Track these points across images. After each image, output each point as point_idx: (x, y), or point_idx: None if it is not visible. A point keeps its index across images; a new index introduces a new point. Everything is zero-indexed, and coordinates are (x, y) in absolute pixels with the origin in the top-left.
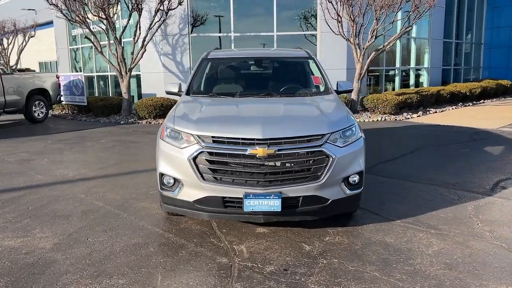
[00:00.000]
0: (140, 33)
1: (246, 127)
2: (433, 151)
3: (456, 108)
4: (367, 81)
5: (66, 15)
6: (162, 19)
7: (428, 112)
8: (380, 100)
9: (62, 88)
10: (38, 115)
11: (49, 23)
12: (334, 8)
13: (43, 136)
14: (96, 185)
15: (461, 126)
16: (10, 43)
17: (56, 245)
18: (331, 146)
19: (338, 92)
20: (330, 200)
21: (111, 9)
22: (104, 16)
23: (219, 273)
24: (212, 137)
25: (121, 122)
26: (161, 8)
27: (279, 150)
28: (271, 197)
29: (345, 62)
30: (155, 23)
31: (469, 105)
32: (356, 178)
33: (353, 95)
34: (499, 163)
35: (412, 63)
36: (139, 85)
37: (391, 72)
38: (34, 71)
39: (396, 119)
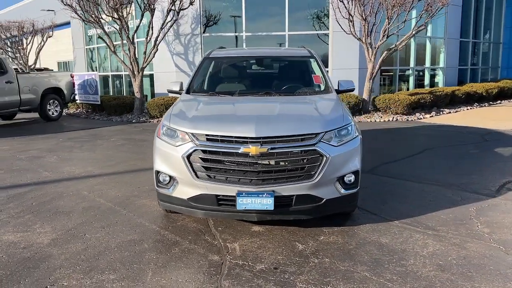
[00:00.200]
0: (152, 33)
1: (240, 125)
2: (441, 152)
3: (471, 108)
4: (380, 81)
5: (81, 15)
6: (173, 19)
7: (441, 113)
8: (392, 100)
9: (76, 87)
10: (53, 113)
11: (67, 24)
12: (346, 7)
13: (56, 134)
14: (100, 182)
15: (473, 127)
16: (29, 43)
17: (54, 240)
18: (325, 145)
19: (339, 91)
20: (324, 200)
21: (124, 9)
22: (117, 16)
23: (209, 270)
24: (206, 135)
25: (133, 121)
26: (173, 8)
27: (272, 148)
28: (263, 195)
29: (357, 62)
30: (167, 23)
31: (485, 106)
32: (351, 178)
33: (365, 95)
34: (508, 165)
35: (427, 63)
36: (152, 85)
37: (406, 72)
38: (52, 70)
39: (408, 120)
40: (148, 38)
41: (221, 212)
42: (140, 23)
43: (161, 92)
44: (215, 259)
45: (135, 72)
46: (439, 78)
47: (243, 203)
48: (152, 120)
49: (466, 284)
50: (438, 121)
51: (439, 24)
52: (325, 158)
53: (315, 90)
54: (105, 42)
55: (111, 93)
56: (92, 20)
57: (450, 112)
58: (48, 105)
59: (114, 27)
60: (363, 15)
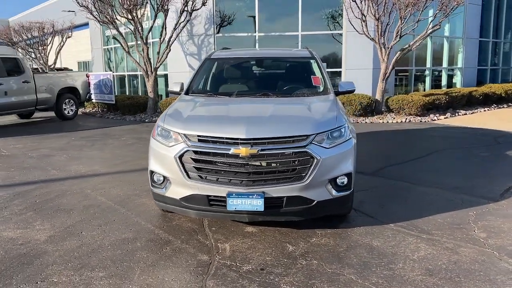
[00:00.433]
0: (166, 34)
1: (231, 127)
2: (450, 154)
3: (488, 110)
4: (396, 82)
5: (96, 16)
6: (186, 19)
7: (457, 114)
8: (405, 101)
9: (92, 86)
10: (68, 112)
11: (86, 24)
12: (358, 7)
13: (69, 133)
14: (105, 181)
15: (488, 129)
16: (49, 43)
17: (51, 237)
18: (316, 147)
19: (339, 93)
20: (315, 201)
21: (138, 10)
22: (130, 17)
23: (196, 270)
24: (198, 136)
25: (146, 121)
26: (186, 9)
27: (262, 150)
28: (253, 196)
29: (371, 62)
30: (180, 24)
31: (503, 107)
32: (344, 180)
33: (377, 96)
34: None
35: (445, 63)
36: (167, 85)
37: (422, 72)
38: (71, 70)
39: (421, 121)
40: (162, 39)
41: (213, 213)
42: (153, 24)
43: None
44: (204, 259)
45: (148, 72)
46: (457, 79)
47: (234, 204)
48: None
49: None
50: (452, 122)
51: (458, 24)
52: (315, 160)
53: (313, 92)
54: (119, 43)
55: (127, 93)
56: (107, 21)
57: (466, 114)
58: (63, 104)
59: (129, 28)
60: (376, 15)
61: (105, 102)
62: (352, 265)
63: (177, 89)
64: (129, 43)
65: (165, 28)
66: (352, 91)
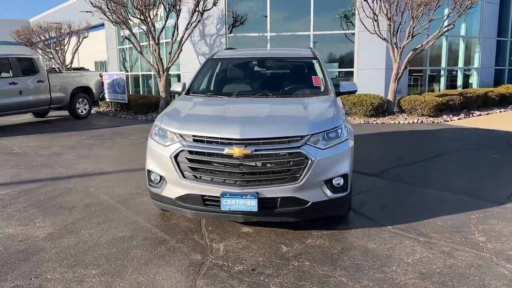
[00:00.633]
0: (178, 34)
1: (226, 127)
2: (460, 156)
3: (504, 111)
4: (411, 82)
5: (109, 17)
6: (197, 20)
7: (471, 115)
8: (417, 102)
9: (106, 86)
10: (82, 111)
11: (103, 25)
12: (370, 6)
13: (80, 131)
14: (109, 179)
15: (501, 130)
16: (66, 44)
17: (50, 234)
18: (311, 147)
19: (340, 93)
20: (310, 202)
21: (150, 11)
22: (142, 18)
23: (188, 269)
24: (193, 136)
25: None
26: (197, 9)
27: (256, 150)
28: (247, 197)
29: (384, 62)
30: (191, 24)
31: None
32: (340, 181)
33: (389, 96)
34: None
35: (460, 63)
36: None
37: (437, 73)
38: (87, 70)
39: (433, 122)
40: (174, 39)
41: (208, 212)
42: (165, 24)
43: None
44: (197, 259)
45: (160, 72)
46: (474, 79)
47: (227, 204)
48: None
49: None
50: (465, 123)
51: (474, 23)
52: (310, 161)
53: (313, 92)
54: (132, 43)
55: (141, 93)
56: (120, 21)
57: (480, 115)
58: (77, 104)
59: (142, 28)
60: (388, 15)
61: (118, 101)
62: (345, 267)
63: (179, 89)
64: (143, 43)
65: (177, 28)
66: (353, 92)
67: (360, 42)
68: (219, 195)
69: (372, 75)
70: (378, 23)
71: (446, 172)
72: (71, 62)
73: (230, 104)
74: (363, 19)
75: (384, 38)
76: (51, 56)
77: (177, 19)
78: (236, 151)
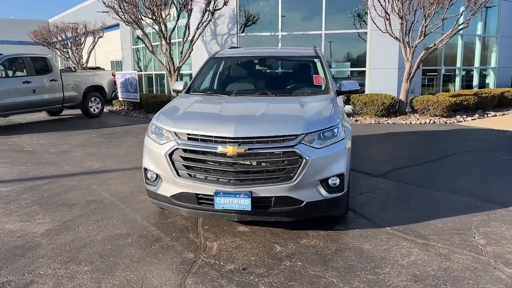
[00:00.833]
0: (189, 33)
1: (220, 125)
2: (470, 157)
3: None
4: (425, 81)
5: (121, 17)
6: (208, 19)
7: (486, 116)
8: (430, 102)
9: (119, 85)
10: (94, 110)
11: (118, 25)
12: (381, 5)
13: (91, 130)
14: (113, 177)
15: None
16: (82, 43)
17: (48, 230)
18: (305, 147)
19: (341, 92)
20: (305, 202)
21: (162, 11)
22: (153, 17)
23: (179, 267)
24: (188, 134)
25: None
26: (208, 8)
27: (249, 149)
28: (241, 196)
29: (396, 61)
30: (202, 23)
31: None
32: (336, 181)
33: (401, 96)
34: None
35: (476, 63)
36: None
37: (451, 72)
38: (103, 69)
39: (446, 122)
40: (185, 38)
41: (202, 211)
42: (176, 24)
43: None
44: (189, 257)
45: (171, 71)
46: (490, 79)
47: (221, 202)
48: None
49: None
50: (479, 124)
51: (491, 21)
52: (304, 160)
53: (313, 91)
54: (144, 43)
55: (155, 92)
56: (132, 21)
57: (495, 115)
58: (90, 102)
59: (154, 28)
60: (400, 13)
61: (130, 100)
62: (337, 268)
63: (180, 87)
64: (155, 43)
65: (188, 28)
66: (355, 91)
67: (372, 41)
68: (212, 194)
69: (384, 74)
70: (390, 22)
71: (452, 173)
72: (87, 62)
73: (227, 103)
74: (374, 18)
75: (396, 37)
76: (68, 56)
77: (188, 19)
78: (230, 149)
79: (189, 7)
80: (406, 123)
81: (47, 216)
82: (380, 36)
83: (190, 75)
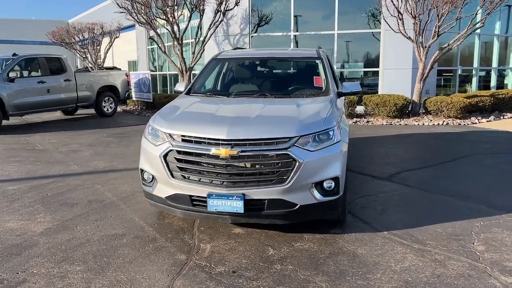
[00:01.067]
0: (201, 34)
1: (214, 127)
2: (479, 160)
3: None
4: (441, 82)
5: (135, 17)
6: (220, 20)
7: (502, 117)
8: (444, 103)
9: (132, 85)
10: (107, 110)
11: (134, 26)
12: (394, 4)
13: (102, 129)
14: (117, 177)
15: None
16: (99, 44)
17: (47, 229)
18: (299, 149)
19: (342, 94)
20: (299, 205)
21: (175, 12)
22: (165, 18)
23: (170, 269)
24: (182, 136)
25: None
26: (219, 9)
27: (242, 151)
28: (233, 198)
29: (410, 62)
30: (214, 24)
31: None
32: (331, 184)
33: (414, 97)
34: None
35: (494, 63)
36: None
37: (468, 73)
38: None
39: (460, 124)
40: (197, 39)
41: (196, 213)
42: (188, 24)
43: None
44: (181, 259)
45: (183, 72)
46: (509, 80)
47: (214, 204)
48: None
49: None
50: (494, 126)
51: (511, 21)
52: (297, 163)
53: (313, 92)
54: (156, 43)
55: (169, 92)
56: (144, 21)
57: None
58: (103, 102)
59: (167, 28)
60: (413, 13)
61: (143, 100)
62: (327, 273)
63: (182, 89)
64: (169, 44)
65: (201, 28)
66: (356, 93)
67: (386, 41)
68: (206, 196)
69: (398, 75)
70: (403, 21)
71: (459, 177)
72: (103, 62)
73: (224, 105)
74: (387, 17)
75: (409, 37)
76: (84, 56)
77: (200, 20)
78: (223, 151)
79: (202, 7)
80: (418, 124)
81: (48, 215)
82: (393, 36)
83: None
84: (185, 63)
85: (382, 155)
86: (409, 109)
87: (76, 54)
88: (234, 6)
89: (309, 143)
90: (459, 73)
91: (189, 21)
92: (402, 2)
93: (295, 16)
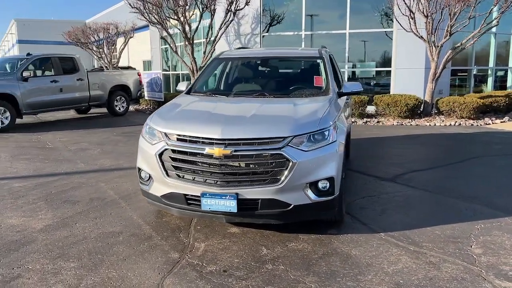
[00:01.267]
0: (212, 34)
1: (208, 126)
2: (488, 162)
3: None
4: (456, 82)
5: (146, 18)
6: (230, 19)
7: None
8: (456, 103)
9: (145, 84)
10: (119, 109)
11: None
12: (406, 3)
13: (113, 128)
14: (122, 175)
15: None
16: (114, 44)
17: (47, 226)
18: (293, 149)
19: (343, 94)
20: (292, 205)
21: (186, 12)
22: (177, 18)
23: (162, 267)
24: (177, 135)
25: None
26: (230, 9)
27: (236, 151)
28: (226, 197)
29: (423, 61)
30: (224, 23)
31: None
32: (326, 185)
33: (426, 97)
34: None
35: (511, 63)
36: None
37: (484, 73)
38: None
39: (472, 125)
40: (208, 39)
41: (191, 211)
42: (199, 24)
43: None
44: (174, 257)
45: (194, 71)
46: None
47: (207, 203)
48: None
49: None
50: (508, 127)
51: None
52: (291, 163)
53: (312, 92)
54: (167, 43)
55: None
56: (156, 21)
57: None
58: (115, 101)
59: (178, 28)
60: (425, 12)
61: (155, 99)
62: (318, 273)
63: (183, 88)
64: (181, 43)
65: (212, 28)
66: (357, 93)
67: (398, 41)
68: (199, 195)
69: (410, 74)
70: (415, 20)
71: (466, 178)
72: (118, 62)
73: (221, 104)
74: (398, 17)
75: (421, 36)
76: (100, 56)
77: (211, 20)
78: (216, 151)
79: (213, 7)
80: (429, 125)
81: (50, 212)
82: (406, 35)
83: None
84: (195, 63)
85: (389, 155)
86: (421, 110)
87: (93, 54)
88: (244, 6)
89: (304, 143)
90: (474, 73)
91: (199, 21)
92: (414, 1)
93: (307, 16)
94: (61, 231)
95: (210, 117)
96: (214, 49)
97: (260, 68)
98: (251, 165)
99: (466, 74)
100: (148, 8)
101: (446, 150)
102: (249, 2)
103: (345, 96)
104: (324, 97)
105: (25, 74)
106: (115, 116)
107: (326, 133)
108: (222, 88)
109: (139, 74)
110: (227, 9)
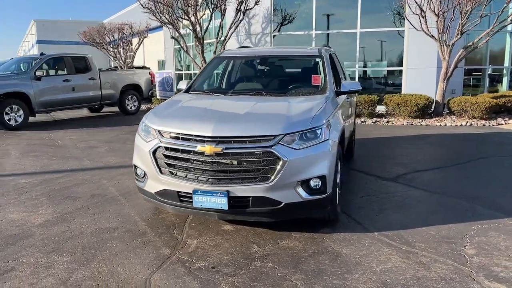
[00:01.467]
0: (222, 33)
1: (201, 124)
2: (495, 162)
3: None
4: (468, 81)
5: (158, 18)
6: (240, 19)
7: None
8: (468, 103)
9: (157, 84)
10: (131, 108)
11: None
12: (416, 2)
13: (123, 126)
14: (125, 172)
15: None
16: (128, 44)
17: (45, 221)
18: (283, 147)
19: (341, 93)
20: (283, 203)
21: (197, 11)
22: (188, 18)
23: (152, 263)
24: (170, 132)
25: None
26: (239, 8)
27: (227, 148)
28: (218, 194)
29: (435, 61)
30: (234, 23)
31: None
32: (318, 183)
33: (437, 97)
34: None
35: None
36: None
37: (499, 72)
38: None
39: (484, 125)
40: (218, 39)
41: (184, 208)
42: (209, 24)
43: None
44: (165, 253)
45: None
46: None
47: (199, 200)
48: None
49: None
50: None
51: None
52: (282, 161)
53: (309, 91)
54: (178, 43)
55: None
56: (167, 21)
57: None
58: (127, 100)
59: (189, 28)
60: (436, 10)
61: (166, 98)
62: (306, 271)
63: (184, 86)
64: (192, 43)
65: (222, 28)
66: (356, 91)
67: (409, 40)
68: (191, 192)
69: (422, 74)
70: (425, 19)
71: (471, 179)
72: (132, 61)
73: (217, 102)
74: (409, 15)
75: (432, 35)
76: (114, 55)
77: (222, 19)
78: (207, 148)
79: (223, 7)
80: (440, 125)
81: (50, 207)
82: (417, 34)
83: None
84: (206, 62)
85: (395, 155)
86: (432, 109)
87: (108, 53)
88: (254, 5)
89: (295, 141)
90: (489, 72)
91: (209, 21)
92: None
93: (318, 15)
94: (59, 226)
95: (203, 115)
96: (224, 49)
97: (259, 67)
98: (242, 163)
99: (481, 73)
100: (159, 8)
101: (454, 150)
102: (258, 1)
103: (345, 95)
104: (320, 95)
105: (38, 73)
106: (126, 115)
107: (319, 131)
108: (220, 86)
109: (150, 74)
110: (237, 8)
